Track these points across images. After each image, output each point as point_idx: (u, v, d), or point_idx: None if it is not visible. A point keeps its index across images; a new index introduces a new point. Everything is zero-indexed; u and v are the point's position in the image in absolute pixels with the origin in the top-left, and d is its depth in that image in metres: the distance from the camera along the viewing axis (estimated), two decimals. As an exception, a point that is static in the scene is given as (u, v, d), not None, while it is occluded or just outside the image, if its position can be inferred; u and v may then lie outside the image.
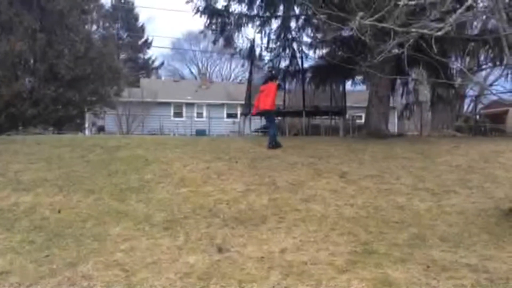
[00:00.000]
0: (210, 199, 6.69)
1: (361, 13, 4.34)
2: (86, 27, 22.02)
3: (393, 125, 25.31)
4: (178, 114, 30.94)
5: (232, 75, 48.96)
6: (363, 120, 15.96)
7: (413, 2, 4.43)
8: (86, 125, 26.18)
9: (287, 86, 17.55)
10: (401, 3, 4.19)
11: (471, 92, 28.08)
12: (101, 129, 27.42)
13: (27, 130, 17.86)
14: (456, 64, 13.70)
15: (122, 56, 43.14)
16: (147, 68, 48.48)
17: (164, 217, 5.98)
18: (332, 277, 4.30)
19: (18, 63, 19.09)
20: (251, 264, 4.64)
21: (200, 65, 50.13)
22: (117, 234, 5.37)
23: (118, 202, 6.43)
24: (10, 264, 4.57)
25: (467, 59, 14.95)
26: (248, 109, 17.65)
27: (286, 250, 4.97)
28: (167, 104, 30.53)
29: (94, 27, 25.43)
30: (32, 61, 19.39)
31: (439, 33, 4.09)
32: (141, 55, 48.57)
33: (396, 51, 5.74)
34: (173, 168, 8.21)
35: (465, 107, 28.02)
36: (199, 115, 30.96)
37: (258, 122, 18.87)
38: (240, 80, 39.92)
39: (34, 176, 7.27)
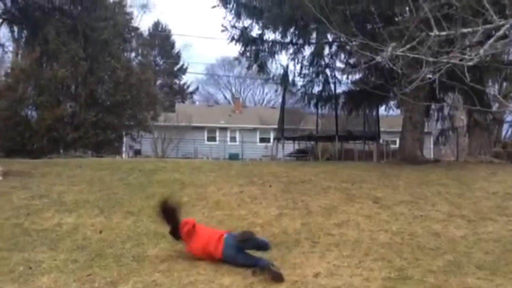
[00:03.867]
0: (244, 222, 6.81)
1: (393, 44, 4.45)
2: (126, 54, 22.94)
3: (429, 151, 24.97)
4: (211, 138, 31.46)
5: (265, 100, 49.51)
6: (397, 145, 15.85)
7: (444, 33, 4.52)
8: (124, 148, 26.95)
9: (319, 111, 17.66)
10: (432, 34, 4.28)
11: (509, 117, 27.45)
12: (137, 152, 28.12)
13: (68, 153, 18.58)
14: (492, 90, 13.53)
15: (159, 81, 44.38)
16: (182, 93, 49.63)
17: (199, 239, 6.12)
18: (366, 303, 4.33)
19: (60, 89, 20.00)
20: (285, 287, 4.71)
21: (233, 90, 50.98)
22: (155, 255, 5.55)
23: (156, 224, 6.60)
24: (54, 282, 4.79)
25: (504, 84, 14.74)
26: (280, 134, 17.83)
27: (319, 275, 5.02)
28: (201, 128, 31.11)
29: (133, 54, 26.44)
30: (74, 87, 20.26)
31: (470, 64, 4.16)
32: (176, 81, 49.85)
33: (430, 76, 5.80)
34: (208, 191, 8.41)
35: (504, 132, 27.36)
36: (232, 139, 31.37)
37: (291, 146, 18.99)
38: (273, 105, 40.29)
39: (77, 198, 7.59)
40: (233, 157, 26.03)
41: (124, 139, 25.57)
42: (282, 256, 5.58)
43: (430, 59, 4.59)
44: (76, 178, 9.02)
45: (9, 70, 19.29)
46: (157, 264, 5.29)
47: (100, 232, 6.19)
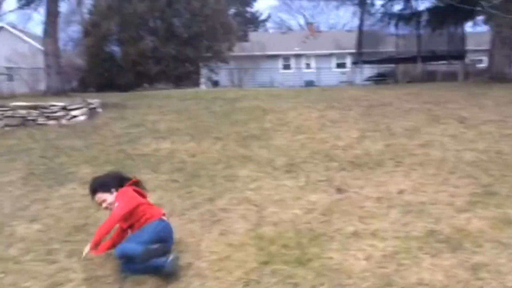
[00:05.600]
0: (326, 145, 7.03)
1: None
2: (200, -16, 22.90)
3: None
4: (286, 66, 31.30)
5: (340, 24, 47.71)
6: (484, 64, 14.96)
7: None
8: (202, 80, 27.70)
9: (400, 32, 16.91)
10: None
11: None
12: (215, 83, 28.80)
13: (152, 86, 19.52)
14: None
15: (231, 11, 44.04)
16: (254, 21, 49.02)
17: (284, 161, 6.46)
18: (452, 216, 4.47)
19: (141, 24, 20.65)
20: (370, 203, 4.95)
21: (307, 15, 49.51)
22: (245, 175, 5.97)
23: (243, 148, 7.04)
24: (160, 199, 5.36)
25: None
26: (359, 58, 17.41)
27: (404, 191, 5.18)
28: (276, 56, 30.96)
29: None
30: (153, 21, 20.83)
31: None
32: (248, 9, 49.15)
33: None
34: (288, 117, 8.65)
35: None
36: (308, 66, 30.99)
37: (370, 70, 18.53)
38: (349, 28, 38.83)
39: (168, 126, 8.17)
40: (309, 84, 25.89)
41: (202, 70, 26.22)
42: (365, 176, 5.78)
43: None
44: (165, 108, 9.62)
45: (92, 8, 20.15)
46: (247, 183, 5.71)
47: (194, 156, 6.71)
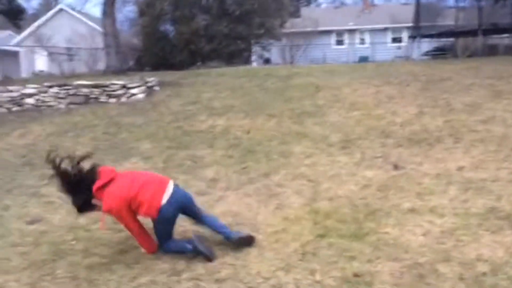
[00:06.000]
0: (382, 121, 6.93)
1: None
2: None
3: None
4: (339, 42, 30.67)
5: (396, -3, 45.95)
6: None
7: None
8: (253, 57, 27.69)
9: (459, 4, 16.14)
10: None
11: None
12: (267, 61, 28.72)
13: (205, 64, 19.76)
14: None
15: (283, -13, 43.41)
16: (306, -4, 48.15)
17: (339, 137, 6.44)
18: (514, 193, 4.33)
19: (193, 2, 20.84)
20: (428, 179, 4.87)
21: (361, -12, 48.00)
22: (300, 151, 6.02)
23: (297, 124, 7.07)
24: (216, 173, 5.53)
25: None
26: (416, 31, 16.82)
27: (463, 168, 5.06)
28: (328, 32, 30.37)
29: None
30: (204, -1, 20.95)
31: None
32: (300, -16, 48.28)
33: None
34: (343, 93, 8.57)
35: None
36: (362, 41, 30.23)
37: (427, 45, 17.87)
38: (406, 1, 37.37)
39: (223, 103, 8.31)
40: (363, 60, 25.32)
41: (254, 48, 26.16)
42: (424, 152, 5.67)
43: None
44: (219, 86, 9.77)
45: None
46: (302, 159, 5.76)
47: (248, 132, 6.82)
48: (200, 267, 3.59)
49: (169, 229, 3.73)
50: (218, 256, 3.66)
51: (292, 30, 27.11)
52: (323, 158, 5.75)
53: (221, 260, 3.63)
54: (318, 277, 3.22)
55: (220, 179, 5.36)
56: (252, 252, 3.71)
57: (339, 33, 30.69)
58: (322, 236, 3.81)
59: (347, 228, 3.92)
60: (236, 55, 22.84)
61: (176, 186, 3.78)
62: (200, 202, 4.79)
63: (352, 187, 4.87)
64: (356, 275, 3.18)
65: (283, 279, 3.26)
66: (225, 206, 4.65)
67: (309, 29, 28.25)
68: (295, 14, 32.74)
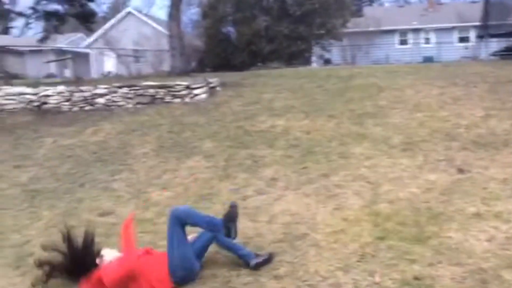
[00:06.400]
0: (447, 123, 6.73)
1: None
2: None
3: None
4: (403, 42, 29.87)
5: (464, -6, 44.08)
6: None
7: None
8: (314, 58, 27.57)
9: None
10: None
11: None
12: (327, 61, 28.49)
13: (265, 65, 19.95)
14: None
15: (345, -14, 42.88)
16: (369, -5, 47.24)
17: (401, 139, 6.33)
18: None
19: (254, 4, 21.11)
20: (494, 184, 4.71)
21: (426, -14, 46.46)
22: (359, 153, 5.98)
23: (357, 125, 7.02)
24: (276, 173, 5.62)
25: None
26: (484, 31, 16.10)
27: (534, 174, 4.84)
28: (391, 32, 29.65)
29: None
30: (266, 0, 21.14)
31: None
32: (362, -17, 47.47)
33: None
34: (406, 94, 8.39)
35: None
36: (427, 41, 29.26)
37: (497, 44, 17.05)
38: (474, -1, 35.78)
39: (283, 104, 8.39)
40: (428, 60, 24.51)
41: (314, 48, 26.05)
42: (490, 156, 5.47)
43: None
44: (279, 86, 9.86)
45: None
46: (362, 160, 5.73)
47: (308, 133, 6.85)
48: (259, 264, 3.69)
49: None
50: (276, 254, 3.74)
51: (354, 30, 26.74)
52: (384, 160, 5.68)
53: (280, 258, 3.72)
54: (377, 278, 3.23)
55: (279, 179, 5.45)
56: (310, 251, 3.76)
57: (403, 32, 29.87)
58: (382, 238, 3.80)
59: (408, 231, 3.87)
60: (296, 56, 22.86)
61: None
62: (259, 201, 4.92)
63: (414, 190, 4.79)
64: (416, 278, 3.16)
65: (342, 279, 3.29)
66: (284, 205, 4.73)
67: (371, 28, 27.74)
68: (357, 13, 32.23)
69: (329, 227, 4.13)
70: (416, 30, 29.66)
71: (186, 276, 3.47)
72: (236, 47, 20.47)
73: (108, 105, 9.28)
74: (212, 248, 3.76)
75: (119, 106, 9.25)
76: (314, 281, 3.31)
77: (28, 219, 4.92)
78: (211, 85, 9.77)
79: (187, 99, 9.25)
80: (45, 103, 9.42)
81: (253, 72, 13.87)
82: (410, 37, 29.77)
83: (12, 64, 21.18)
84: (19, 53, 25.61)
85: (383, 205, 4.48)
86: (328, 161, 5.79)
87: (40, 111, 9.24)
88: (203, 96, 9.34)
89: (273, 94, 9.18)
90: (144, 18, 29.10)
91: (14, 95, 9.61)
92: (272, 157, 6.10)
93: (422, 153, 5.79)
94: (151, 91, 9.30)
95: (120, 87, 9.37)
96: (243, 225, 4.35)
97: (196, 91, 9.34)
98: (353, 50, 27.57)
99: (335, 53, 27.87)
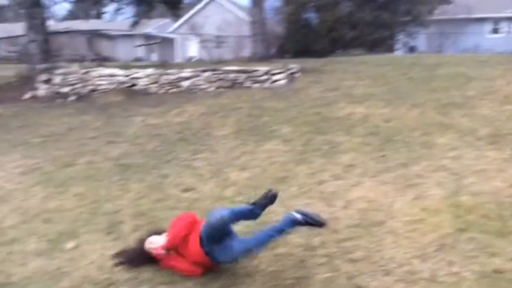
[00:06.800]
0: (542, 117, 6.32)
1: None
2: None
3: None
4: (495, 30, 27.99)
5: None
6: None
7: None
8: (397, 45, 26.64)
9: None
10: None
11: None
12: (412, 49, 27.41)
13: (346, 52, 19.65)
14: None
15: (434, -30, 40.78)
16: (460, -20, 44.54)
17: (488, 131, 6.04)
18: None
19: (338, -11, 20.76)
20: None
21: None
22: (443, 143, 5.78)
23: (441, 115, 6.77)
24: (353, 159, 5.60)
25: None
26: None
27: None
28: (483, 19, 27.86)
29: None
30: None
31: None
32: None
33: None
34: (496, 85, 7.96)
35: None
36: (522, 30, 27.20)
37: None
38: None
39: (363, 91, 8.27)
40: (523, 50, 22.79)
41: (398, 36, 25.15)
42: None
43: None
44: (360, 73, 9.71)
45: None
46: (445, 151, 5.54)
47: (388, 121, 6.72)
48: (334, 246, 3.75)
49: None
50: (351, 238, 3.77)
51: (442, 17, 25.44)
52: (469, 152, 5.46)
53: (355, 242, 3.75)
54: (455, 269, 3.17)
55: (356, 165, 5.42)
56: (387, 238, 3.76)
57: (496, 20, 27.96)
58: (462, 230, 3.71)
59: (490, 224, 3.74)
60: (379, 43, 22.27)
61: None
62: (335, 186, 4.94)
63: (499, 183, 4.58)
64: (496, 271, 3.07)
65: (418, 267, 3.27)
66: (360, 192, 4.73)
67: (461, 16, 26.23)
68: (446, 0, 30.61)
69: (407, 216, 4.08)
70: (510, 19, 27.63)
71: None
72: (317, 34, 20.29)
73: (191, 88, 9.67)
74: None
75: (201, 89, 9.60)
76: (390, 267, 3.32)
77: (119, 190, 5.31)
78: (291, 71, 9.84)
79: (266, 84, 9.40)
80: (134, 84, 10.00)
81: (333, 59, 13.75)
82: (504, 26, 27.81)
83: (104, 47, 22.59)
84: (111, 37, 27.13)
85: (466, 197, 4.33)
86: (409, 151, 5.66)
87: (130, 92, 9.83)
88: (283, 82, 9.43)
89: (353, 81, 9.07)
90: (227, 5, 29.62)
91: (106, 76, 10.29)
92: (349, 144, 6.07)
93: (510, 146, 5.50)
94: (232, 75, 9.55)
95: (203, 71, 9.71)
96: (318, 208, 4.42)
97: (275, 77, 9.45)
98: (440, 38, 26.28)
99: (420, 41, 26.70)
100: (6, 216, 5.01)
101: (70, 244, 4.17)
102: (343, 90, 8.50)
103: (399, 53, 25.43)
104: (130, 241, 3.96)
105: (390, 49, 25.73)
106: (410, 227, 3.88)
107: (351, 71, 10.09)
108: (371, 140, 6.11)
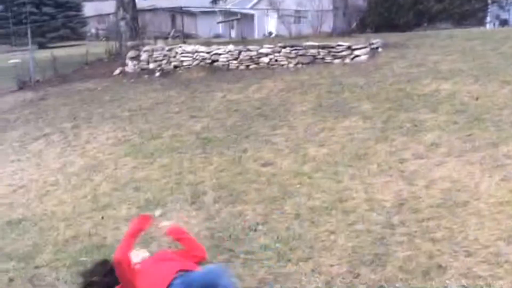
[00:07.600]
0: None
1: None
2: None
3: None
4: None
5: None
6: None
7: None
8: (488, 19, 24.82)
9: None
10: None
11: None
12: (504, 22, 25.43)
13: (432, 25, 18.65)
14: None
15: None
16: None
17: None
18: None
19: (425, -41, 19.58)
20: None
21: None
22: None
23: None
24: (438, 138, 5.40)
25: None
26: None
27: None
28: None
29: None
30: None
31: None
32: None
33: None
34: None
35: None
36: None
37: None
38: None
39: (451, 67, 7.86)
40: None
41: (490, 8, 23.39)
42: None
43: None
44: (448, 48, 9.22)
45: None
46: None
47: (477, 98, 6.37)
48: (414, 225, 3.71)
49: None
50: (433, 218, 3.70)
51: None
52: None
53: (437, 222, 3.68)
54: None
55: (441, 144, 5.24)
56: (471, 219, 3.65)
57: None
58: (555, 215, 3.50)
59: None
60: (468, 16, 20.85)
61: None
62: (417, 165, 4.82)
63: None
64: None
65: (504, 249, 3.16)
66: (444, 172, 4.58)
67: None
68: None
69: (494, 198, 3.92)
70: None
71: None
72: (401, 6, 19.36)
73: (271, 64, 9.73)
74: (368, 207, 3.86)
75: (281, 65, 9.63)
76: (473, 248, 3.23)
77: (201, 163, 5.56)
78: (373, 46, 9.56)
79: (347, 60, 9.23)
80: (216, 60, 10.24)
81: (418, 33, 13.15)
82: None
83: (186, 24, 23.20)
84: (192, 14, 27.77)
85: (560, 180, 4.06)
86: (498, 130, 5.35)
87: (211, 68, 10.09)
88: (364, 57, 9.21)
89: (440, 56, 8.64)
90: (307, -22, 29.10)
91: (189, 53, 10.63)
92: (434, 122, 5.84)
93: None
94: (313, 51, 9.47)
95: (283, 47, 9.72)
96: (399, 187, 4.36)
97: (357, 52, 9.25)
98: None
99: (515, 13, 24.68)
100: (100, 184, 5.46)
101: (158, 212, 4.48)
102: (428, 66, 8.13)
103: (489, 26, 23.70)
104: (212, 212, 4.17)
105: (480, 23, 24.00)
106: (496, 209, 3.73)
107: (438, 46, 9.60)
108: (458, 119, 5.84)
